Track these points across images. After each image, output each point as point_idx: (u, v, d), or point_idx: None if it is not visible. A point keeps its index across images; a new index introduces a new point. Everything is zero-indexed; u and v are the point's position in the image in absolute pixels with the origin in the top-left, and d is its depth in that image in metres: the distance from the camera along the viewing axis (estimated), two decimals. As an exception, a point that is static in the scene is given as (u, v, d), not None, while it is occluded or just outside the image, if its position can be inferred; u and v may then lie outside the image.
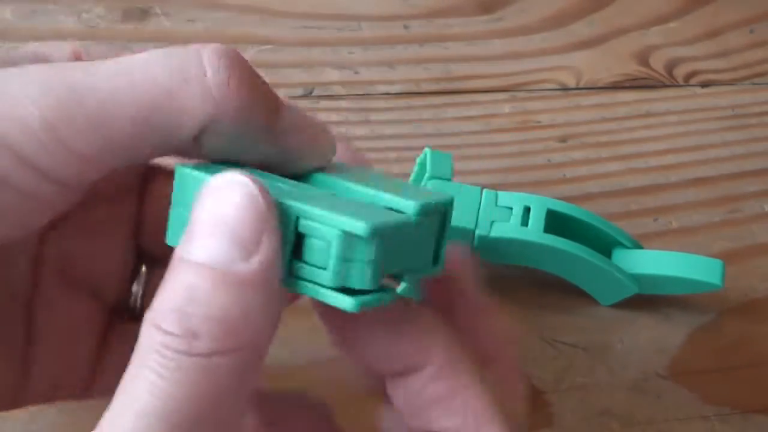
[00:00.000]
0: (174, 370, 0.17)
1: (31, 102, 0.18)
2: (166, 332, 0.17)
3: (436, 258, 0.21)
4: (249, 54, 0.44)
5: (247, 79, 0.20)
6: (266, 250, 0.18)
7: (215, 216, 0.18)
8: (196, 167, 0.20)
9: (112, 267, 0.26)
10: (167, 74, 0.19)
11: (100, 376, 0.25)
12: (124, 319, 0.26)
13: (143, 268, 0.26)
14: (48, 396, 0.25)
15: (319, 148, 0.21)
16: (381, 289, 0.19)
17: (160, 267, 0.22)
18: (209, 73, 0.19)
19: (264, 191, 0.18)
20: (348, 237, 0.18)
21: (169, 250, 0.19)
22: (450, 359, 0.21)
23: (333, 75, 0.44)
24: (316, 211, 0.18)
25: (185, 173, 0.20)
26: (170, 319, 0.17)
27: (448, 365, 0.21)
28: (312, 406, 0.25)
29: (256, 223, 0.18)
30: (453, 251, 0.22)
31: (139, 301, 0.26)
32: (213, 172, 0.19)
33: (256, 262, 0.18)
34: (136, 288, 0.26)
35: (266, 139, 0.20)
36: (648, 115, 0.44)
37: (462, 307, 0.23)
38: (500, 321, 0.23)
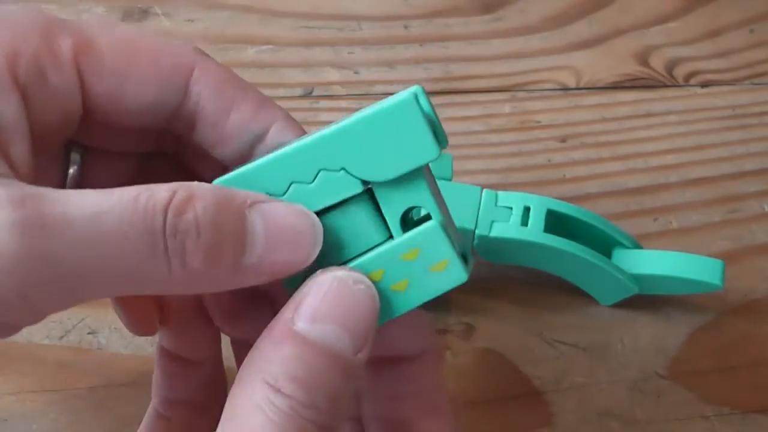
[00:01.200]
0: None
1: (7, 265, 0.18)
2: (290, 397, 0.19)
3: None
4: (249, 54, 0.44)
5: (208, 245, 0.20)
6: (370, 347, 0.21)
7: (342, 308, 0.20)
8: None
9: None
10: (135, 249, 0.19)
11: None
12: None
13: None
14: None
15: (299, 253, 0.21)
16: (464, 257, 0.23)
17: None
18: (170, 249, 0.19)
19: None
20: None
21: None
22: (438, 360, 0.24)
23: (333, 75, 0.44)
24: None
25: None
26: (293, 387, 0.19)
27: (436, 364, 0.24)
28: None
29: (371, 324, 0.21)
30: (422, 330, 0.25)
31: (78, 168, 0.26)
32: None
33: (361, 356, 0.20)
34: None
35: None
36: (648, 115, 0.44)
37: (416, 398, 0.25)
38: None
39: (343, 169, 0.21)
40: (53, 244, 0.18)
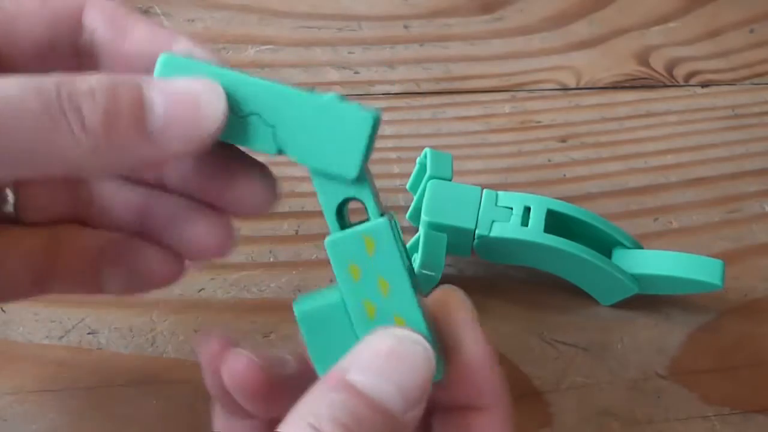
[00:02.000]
0: None
1: None
2: None
3: None
4: (249, 54, 0.44)
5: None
6: (420, 408, 0.21)
7: (397, 366, 0.21)
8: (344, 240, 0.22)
9: None
10: (33, 118, 0.19)
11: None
12: None
13: None
14: None
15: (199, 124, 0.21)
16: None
17: None
18: (67, 112, 0.20)
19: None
20: None
21: None
22: (506, 411, 0.24)
23: (333, 75, 0.44)
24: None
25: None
26: None
27: (505, 419, 0.24)
28: None
29: (425, 387, 0.21)
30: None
31: (12, 207, 0.26)
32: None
33: (410, 416, 0.21)
34: (10, 195, 0.26)
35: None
36: (648, 115, 0.44)
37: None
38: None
39: (272, 126, 0.21)
40: None
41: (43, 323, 0.35)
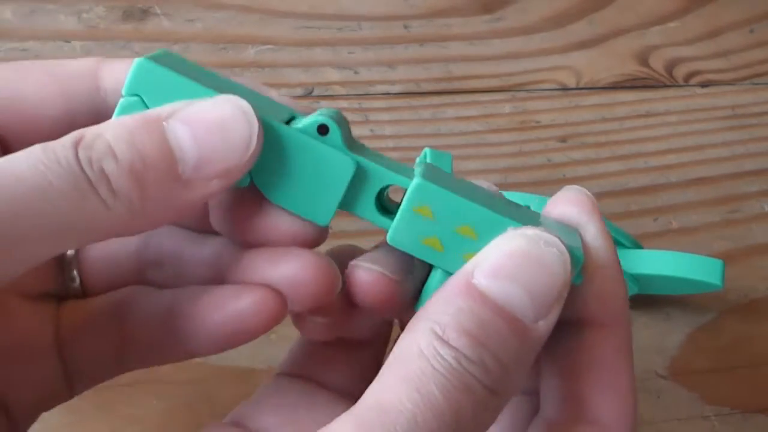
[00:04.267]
0: (456, 388, 0.18)
1: None
2: (456, 349, 0.18)
3: None
4: (249, 54, 0.44)
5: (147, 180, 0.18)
6: (553, 318, 0.19)
7: (528, 269, 0.19)
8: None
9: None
10: (59, 194, 0.18)
11: (73, 368, 0.25)
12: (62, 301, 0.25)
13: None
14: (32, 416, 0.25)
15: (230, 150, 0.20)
16: None
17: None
18: (92, 180, 0.18)
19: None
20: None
21: None
22: (628, 330, 0.22)
23: (333, 75, 0.44)
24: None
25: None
26: (463, 341, 0.18)
27: (624, 339, 0.22)
28: None
29: (557, 292, 0.19)
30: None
31: (78, 281, 0.25)
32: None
33: (543, 326, 0.19)
34: (72, 271, 0.25)
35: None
36: (648, 115, 0.44)
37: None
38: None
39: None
40: None
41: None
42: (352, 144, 0.21)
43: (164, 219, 0.20)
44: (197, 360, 0.25)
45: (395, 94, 0.43)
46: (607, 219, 0.36)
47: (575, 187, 0.22)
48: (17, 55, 0.42)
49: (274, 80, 0.43)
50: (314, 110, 0.21)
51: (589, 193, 0.22)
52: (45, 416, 0.32)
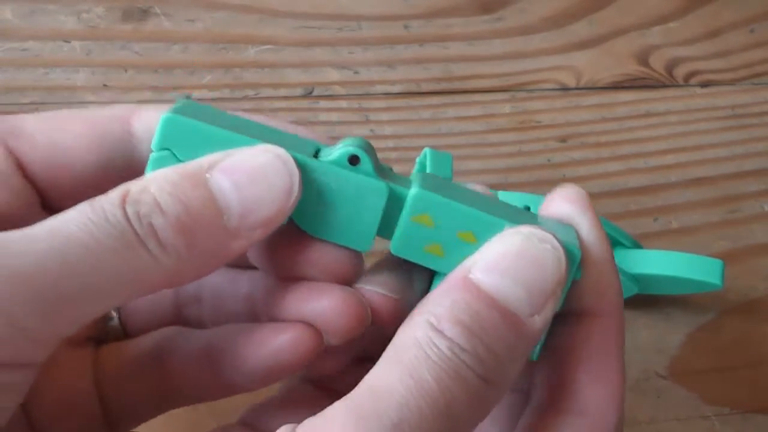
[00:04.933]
0: (449, 376, 0.18)
1: None
2: (450, 340, 0.18)
3: None
4: (249, 54, 0.44)
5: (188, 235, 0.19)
6: (548, 313, 0.20)
7: (523, 265, 0.19)
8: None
9: None
10: (109, 250, 0.18)
11: (112, 402, 0.24)
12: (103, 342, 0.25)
13: None
14: None
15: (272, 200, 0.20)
16: None
17: None
18: (141, 235, 0.18)
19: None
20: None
21: None
22: (621, 320, 0.22)
23: (333, 75, 0.44)
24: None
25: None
26: (457, 331, 0.19)
27: (616, 330, 0.22)
28: None
29: (552, 288, 0.20)
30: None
31: (117, 320, 0.25)
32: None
33: (538, 320, 0.19)
34: (114, 315, 0.25)
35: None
36: (648, 115, 0.44)
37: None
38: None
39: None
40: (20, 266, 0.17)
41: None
42: (380, 169, 0.22)
43: (210, 269, 0.20)
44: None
45: (395, 94, 0.43)
46: (607, 219, 0.36)
47: (569, 184, 0.23)
48: (17, 55, 0.42)
49: (274, 80, 0.43)
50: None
51: (581, 189, 0.22)
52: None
